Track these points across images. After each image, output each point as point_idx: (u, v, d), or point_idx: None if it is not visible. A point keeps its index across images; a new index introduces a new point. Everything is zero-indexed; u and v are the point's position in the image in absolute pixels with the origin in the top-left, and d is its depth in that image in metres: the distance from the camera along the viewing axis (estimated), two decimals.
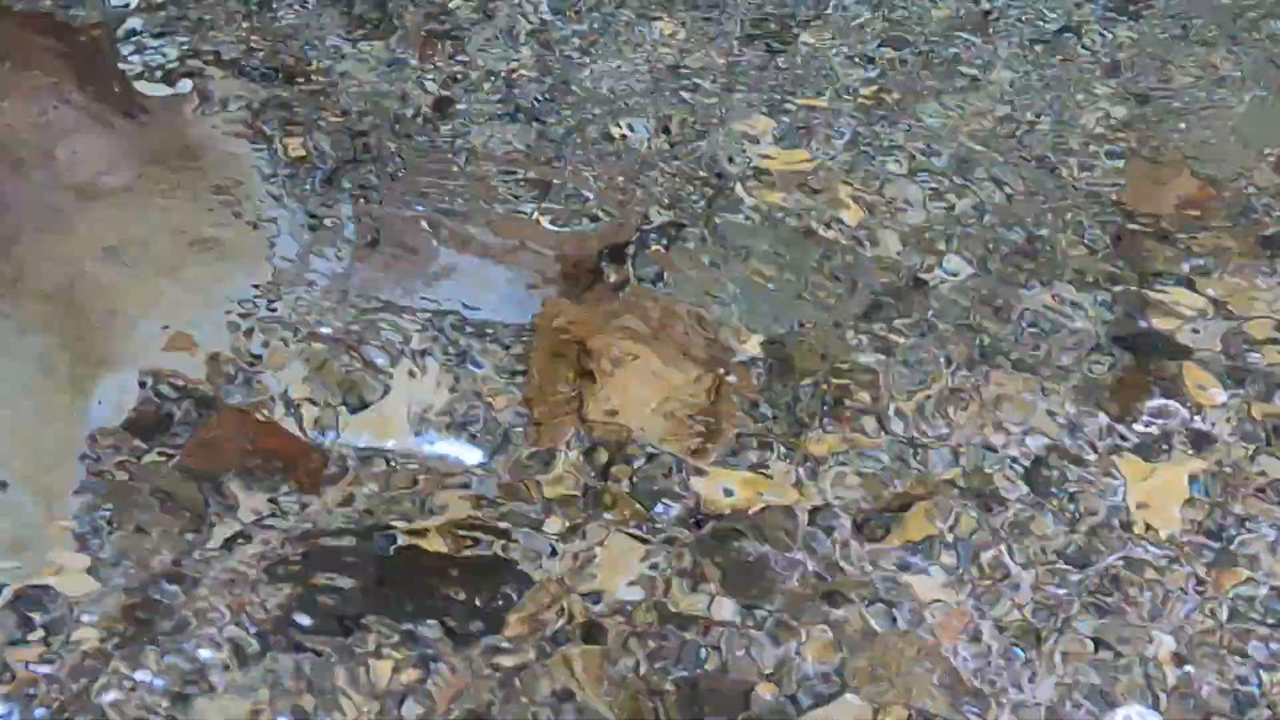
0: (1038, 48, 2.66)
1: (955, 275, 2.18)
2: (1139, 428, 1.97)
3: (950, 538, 1.83)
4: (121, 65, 2.41)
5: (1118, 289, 2.16)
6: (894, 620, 1.74)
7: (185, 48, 2.46)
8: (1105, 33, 2.69)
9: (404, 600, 1.70)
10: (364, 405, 1.93)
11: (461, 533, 1.79)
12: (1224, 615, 1.76)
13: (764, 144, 2.40)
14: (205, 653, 1.63)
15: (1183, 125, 2.48)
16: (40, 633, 1.63)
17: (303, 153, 2.28)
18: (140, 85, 2.38)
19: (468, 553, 1.77)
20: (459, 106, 2.44)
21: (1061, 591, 1.77)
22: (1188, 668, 1.70)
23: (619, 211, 2.26)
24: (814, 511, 1.86)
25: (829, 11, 2.72)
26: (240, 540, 1.75)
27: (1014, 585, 1.78)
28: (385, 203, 2.22)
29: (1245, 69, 2.62)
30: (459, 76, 2.50)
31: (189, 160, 2.23)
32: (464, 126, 2.39)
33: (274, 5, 2.60)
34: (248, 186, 2.20)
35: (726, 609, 1.73)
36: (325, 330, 2.00)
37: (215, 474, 1.82)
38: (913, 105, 2.50)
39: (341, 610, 1.68)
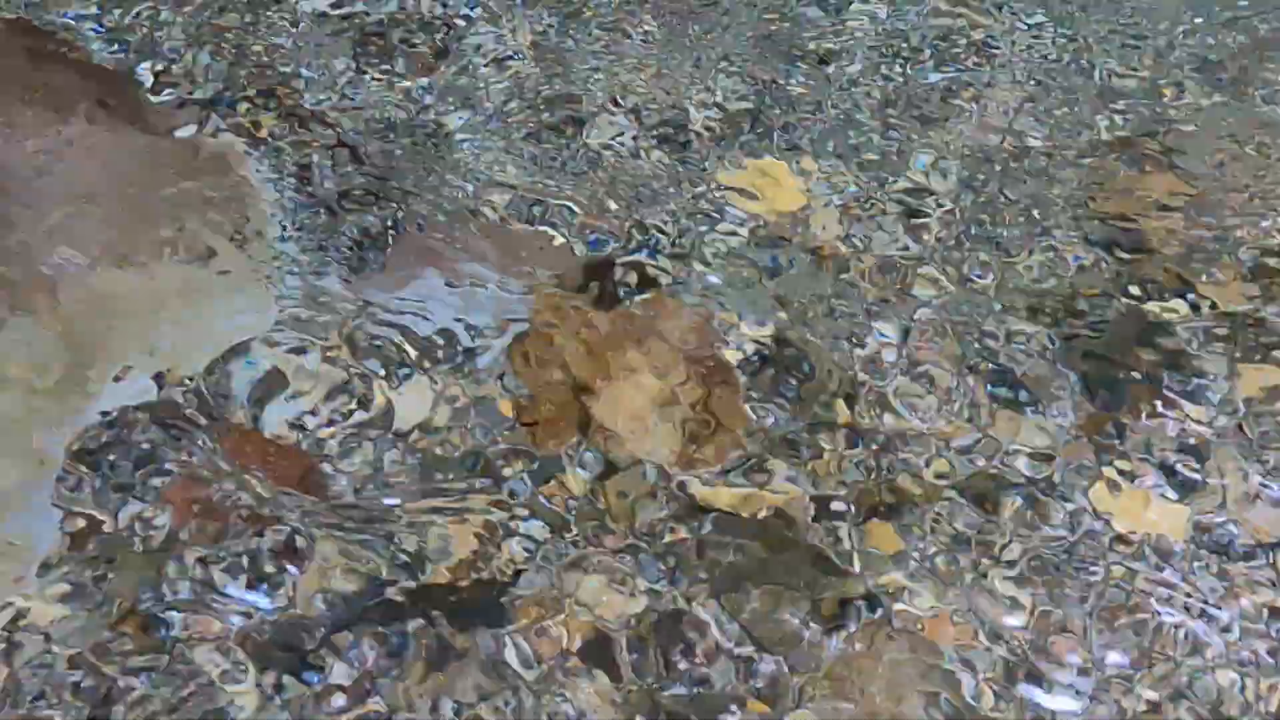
0: None
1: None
2: None
3: (944, 541, 1.85)
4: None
5: None
6: (886, 626, 1.76)
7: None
8: None
9: None
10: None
11: None
12: None
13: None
14: None
15: None
16: None
17: (305, 174, 2.31)
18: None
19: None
20: (458, 125, 2.45)
21: None
22: None
23: (609, 224, 2.28)
24: (815, 515, 1.87)
25: None
26: None
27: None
28: (389, 224, 2.25)
29: None
30: (459, 95, 2.52)
31: (193, 177, 2.26)
32: (462, 144, 2.41)
33: (266, 24, 2.63)
34: (253, 210, 2.23)
35: (721, 619, 1.75)
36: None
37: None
38: None
39: None
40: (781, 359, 2.07)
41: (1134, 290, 2.20)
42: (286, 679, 1.64)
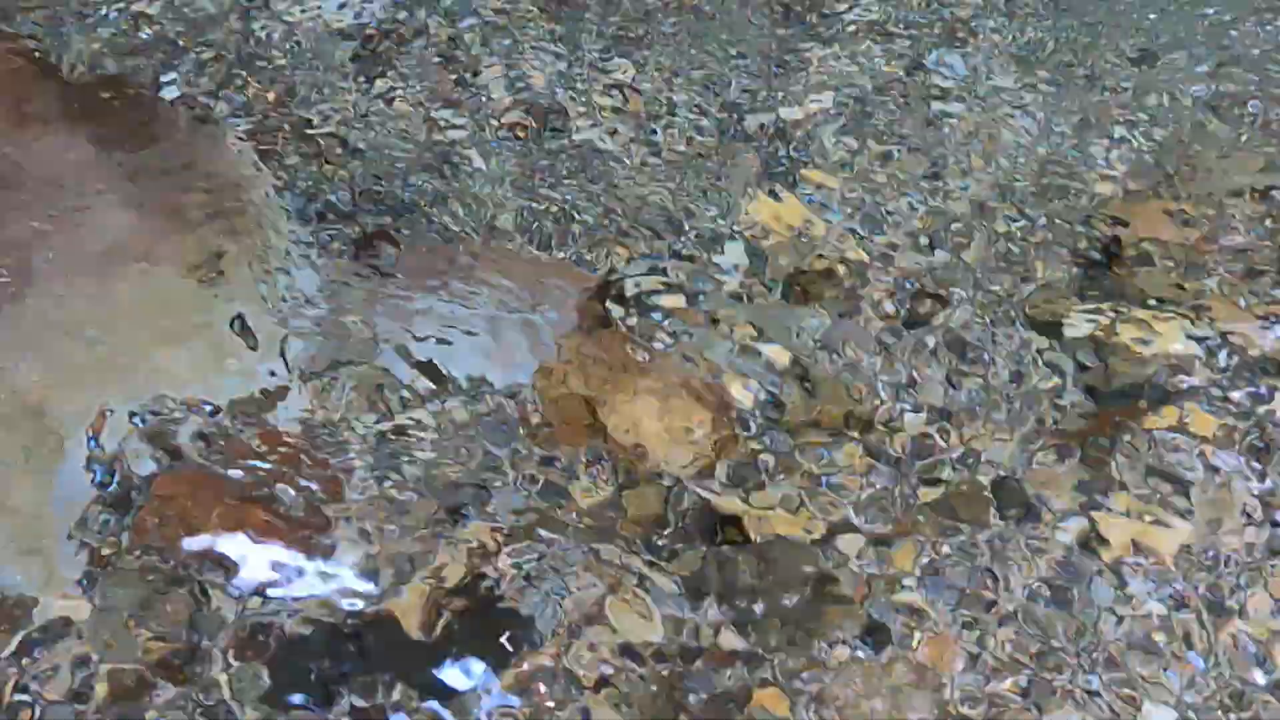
0: None
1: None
2: None
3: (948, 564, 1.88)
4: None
5: None
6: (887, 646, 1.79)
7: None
8: None
9: None
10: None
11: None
12: None
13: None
14: None
15: None
16: None
17: (318, 194, 2.33)
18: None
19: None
20: (467, 142, 2.47)
21: None
22: None
23: (617, 249, 2.29)
24: (825, 535, 1.90)
25: None
26: None
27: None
28: (399, 247, 2.26)
29: None
30: (470, 115, 2.54)
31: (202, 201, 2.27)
32: (473, 162, 2.43)
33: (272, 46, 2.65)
34: (266, 231, 2.25)
35: (733, 637, 1.78)
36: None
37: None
38: None
39: None
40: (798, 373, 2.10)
41: None
42: None
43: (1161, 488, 1.95)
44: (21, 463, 1.88)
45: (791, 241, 2.30)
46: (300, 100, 2.52)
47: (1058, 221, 2.35)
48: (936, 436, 2.02)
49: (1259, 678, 1.76)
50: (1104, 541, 1.89)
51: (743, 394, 2.07)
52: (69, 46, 2.57)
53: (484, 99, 2.56)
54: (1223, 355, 2.11)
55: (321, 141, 2.44)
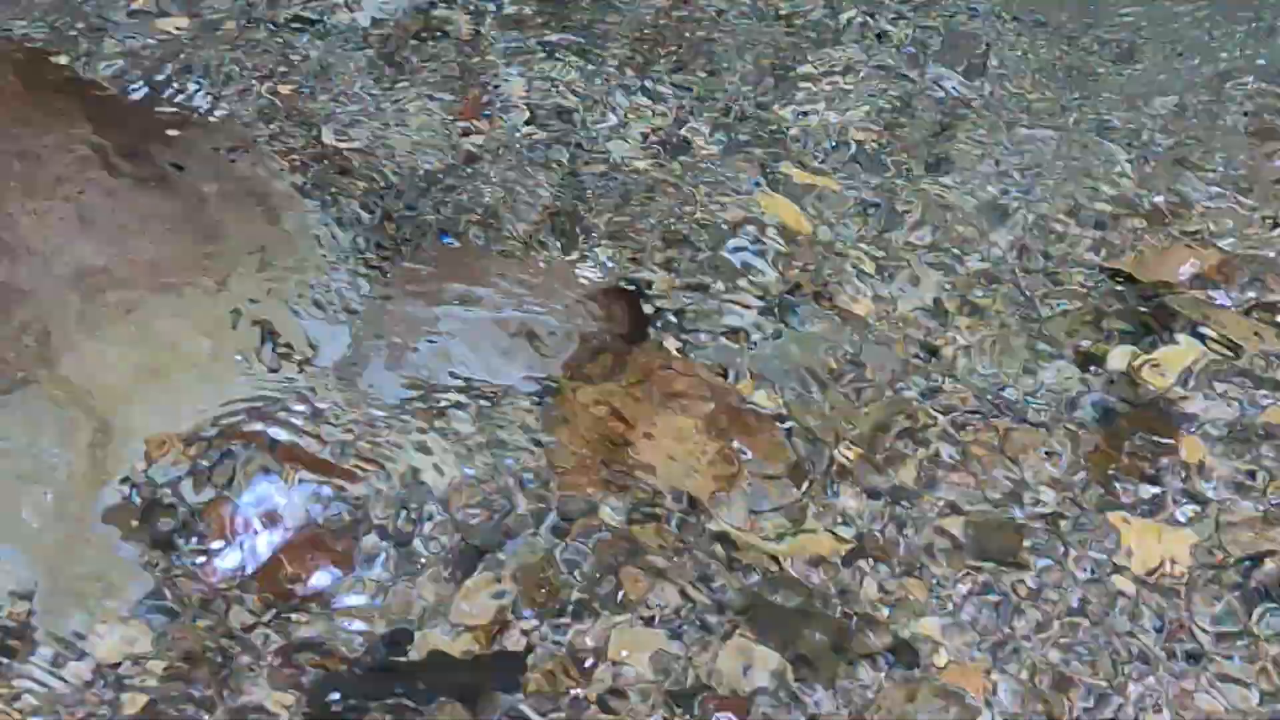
0: None
1: None
2: None
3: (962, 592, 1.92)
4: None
5: None
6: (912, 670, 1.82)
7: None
8: None
9: None
10: None
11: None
12: None
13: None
14: None
15: None
16: None
17: (344, 214, 2.35)
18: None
19: None
20: (486, 157, 2.50)
21: None
22: None
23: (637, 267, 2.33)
24: (845, 559, 1.93)
25: None
26: None
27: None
28: (414, 262, 2.29)
29: None
30: (490, 128, 2.57)
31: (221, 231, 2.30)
32: (492, 177, 2.45)
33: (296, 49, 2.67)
34: (296, 254, 2.27)
35: (762, 666, 1.81)
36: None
37: None
38: None
39: None
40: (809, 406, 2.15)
41: None
42: None
43: None
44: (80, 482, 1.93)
45: (811, 248, 2.35)
46: (320, 108, 2.55)
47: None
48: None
49: None
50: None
51: (768, 400, 2.11)
52: (94, 64, 2.59)
53: (502, 108, 2.59)
54: None
55: (345, 150, 2.46)
